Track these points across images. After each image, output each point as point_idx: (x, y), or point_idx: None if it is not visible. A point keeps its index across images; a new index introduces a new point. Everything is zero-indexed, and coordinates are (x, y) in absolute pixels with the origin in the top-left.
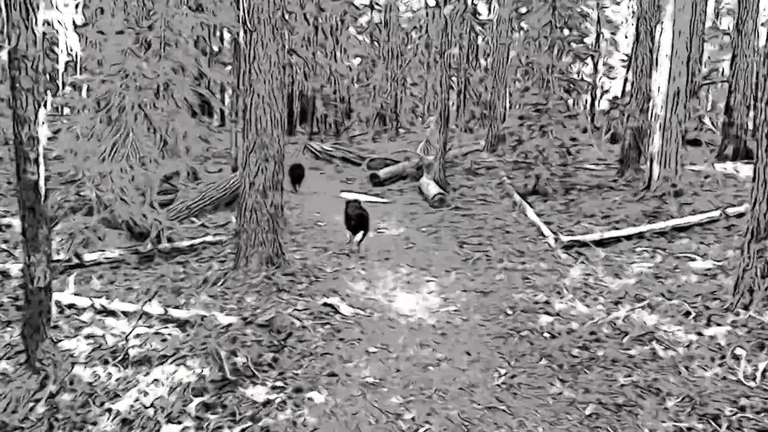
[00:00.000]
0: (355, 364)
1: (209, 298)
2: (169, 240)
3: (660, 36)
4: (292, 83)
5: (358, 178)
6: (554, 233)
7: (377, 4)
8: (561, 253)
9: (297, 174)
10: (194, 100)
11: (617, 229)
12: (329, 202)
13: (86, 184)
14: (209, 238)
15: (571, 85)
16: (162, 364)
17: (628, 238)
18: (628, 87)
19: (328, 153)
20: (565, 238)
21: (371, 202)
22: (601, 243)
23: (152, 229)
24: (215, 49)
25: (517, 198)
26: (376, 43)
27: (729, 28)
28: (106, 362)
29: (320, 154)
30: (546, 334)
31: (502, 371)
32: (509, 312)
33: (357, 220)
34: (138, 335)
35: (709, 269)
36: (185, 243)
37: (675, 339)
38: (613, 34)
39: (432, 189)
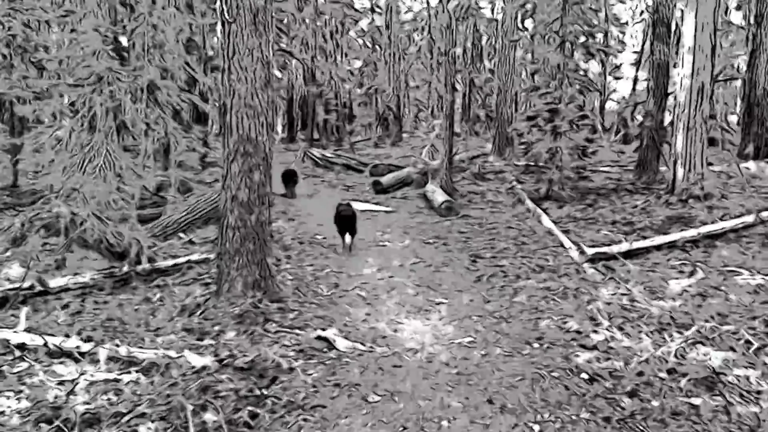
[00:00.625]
0: (351, 420)
1: (184, 332)
2: (150, 260)
3: (681, 28)
4: (291, 89)
5: (361, 185)
6: (576, 244)
7: (378, 6)
8: (587, 268)
9: (290, 179)
10: (185, 106)
11: (644, 237)
12: (329, 212)
13: (52, 200)
14: (195, 257)
15: (584, 84)
16: (115, 424)
17: (658, 248)
18: (639, 86)
19: (329, 160)
20: (589, 250)
21: (373, 211)
22: (629, 254)
23: (131, 249)
24: (210, 53)
25: (531, 204)
26: (377, 47)
27: (742, 23)
28: (46, 423)
29: (321, 162)
30: (584, 375)
31: (536, 428)
32: (536, 344)
33: (341, 220)
34: (91, 384)
35: (761, 285)
36: (168, 262)
37: (749, 385)
38: (622, 32)
39: (438, 196)
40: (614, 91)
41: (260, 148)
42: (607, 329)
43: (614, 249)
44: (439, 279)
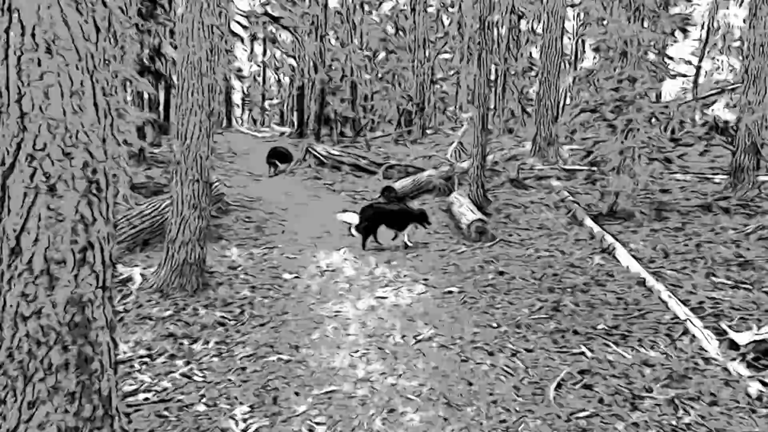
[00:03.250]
0: None
1: None
2: None
3: None
4: (302, 76)
5: (371, 190)
6: (716, 328)
7: None
8: (746, 381)
9: (276, 158)
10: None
11: None
12: (319, 227)
13: None
14: None
15: (660, 67)
16: None
17: None
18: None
19: (336, 158)
20: (741, 337)
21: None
22: None
23: None
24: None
25: (593, 226)
26: (400, 33)
27: None
28: None
29: (326, 160)
30: None
31: None
32: None
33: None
34: None
35: None
36: None
37: None
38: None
39: (467, 212)
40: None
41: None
42: None
43: None
44: (468, 388)
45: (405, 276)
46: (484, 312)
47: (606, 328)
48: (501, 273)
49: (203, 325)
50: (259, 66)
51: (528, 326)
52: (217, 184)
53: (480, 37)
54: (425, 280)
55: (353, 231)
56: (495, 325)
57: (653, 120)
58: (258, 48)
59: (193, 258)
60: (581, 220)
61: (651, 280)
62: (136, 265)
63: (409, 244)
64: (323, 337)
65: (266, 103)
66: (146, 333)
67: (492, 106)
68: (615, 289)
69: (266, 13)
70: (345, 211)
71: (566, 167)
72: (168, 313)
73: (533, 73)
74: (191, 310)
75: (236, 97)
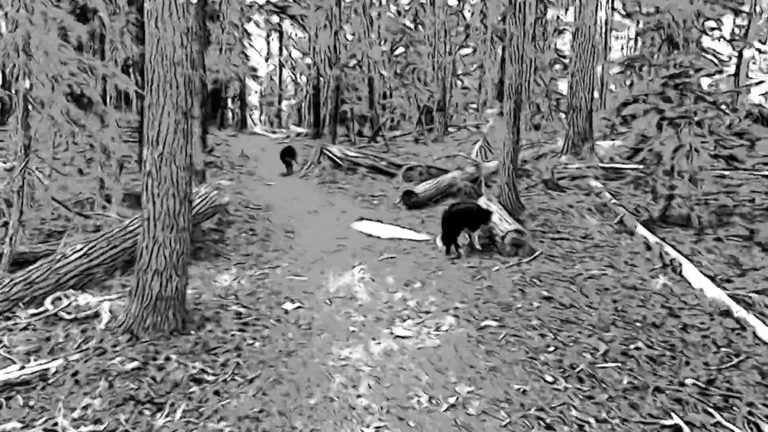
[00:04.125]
0: None
1: None
2: None
3: None
4: (318, 73)
5: (390, 194)
6: None
7: None
8: None
9: (290, 156)
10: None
11: None
12: (331, 239)
13: None
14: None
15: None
16: None
17: None
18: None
19: (352, 160)
20: None
21: (397, 238)
22: None
23: None
24: None
25: (647, 235)
26: (420, 26)
27: None
28: None
29: (342, 162)
30: None
31: None
32: None
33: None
34: None
35: None
36: None
37: None
38: None
39: (500, 222)
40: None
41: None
42: None
43: None
44: None
45: (430, 304)
46: (532, 357)
47: (699, 385)
48: (547, 299)
49: (174, 382)
50: (275, 65)
51: (593, 379)
52: (215, 192)
53: (511, 19)
54: (455, 309)
55: (438, 243)
56: (549, 378)
57: (713, 111)
58: (274, 48)
59: (169, 290)
60: (632, 228)
61: (739, 311)
62: (108, 297)
63: (477, 247)
64: (326, 400)
65: (283, 103)
66: (99, 396)
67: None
68: (694, 323)
69: (269, 2)
70: (362, 219)
71: (605, 165)
72: (132, 365)
73: (560, 66)
74: (163, 359)
75: (253, 99)
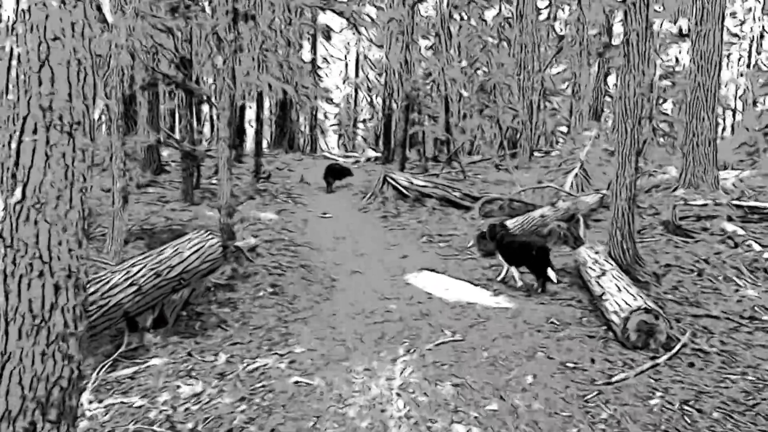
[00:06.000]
0: None
1: None
2: None
3: None
4: (389, 95)
5: (462, 233)
6: None
7: None
8: None
9: (332, 175)
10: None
11: None
12: (378, 301)
13: None
14: None
15: None
16: None
17: None
18: None
19: (420, 190)
20: None
21: (467, 303)
22: None
23: None
24: None
25: None
26: (504, 43)
27: None
28: None
29: (408, 192)
30: None
31: None
32: None
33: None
34: None
35: None
36: None
37: None
38: None
39: (617, 292)
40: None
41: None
42: None
43: None
44: None
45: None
46: None
47: None
48: None
49: None
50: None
51: None
52: (213, 242)
53: (632, 13)
54: None
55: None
56: None
57: None
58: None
59: None
60: None
61: None
62: None
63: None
64: None
65: (358, 126)
66: None
67: (610, 123)
68: None
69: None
70: (423, 269)
71: (743, 203)
72: None
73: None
74: None
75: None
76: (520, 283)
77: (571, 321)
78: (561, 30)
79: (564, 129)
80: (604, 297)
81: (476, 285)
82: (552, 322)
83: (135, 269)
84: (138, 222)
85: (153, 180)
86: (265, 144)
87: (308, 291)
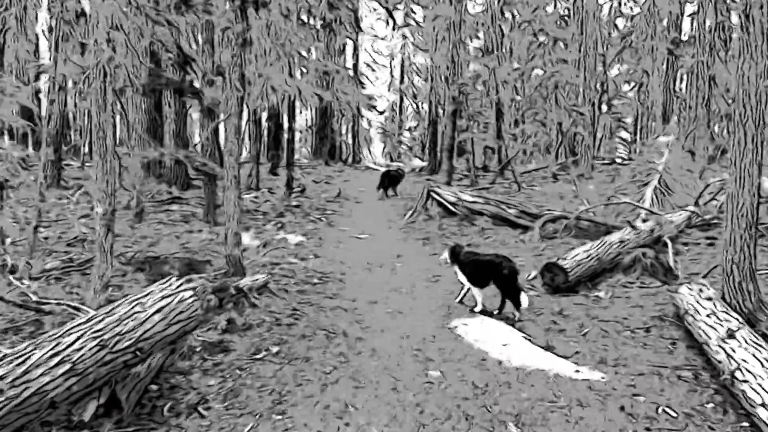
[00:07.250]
0: None
1: None
2: None
3: None
4: (437, 101)
5: (521, 259)
6: None
7: None
8: None
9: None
10: None
11: None
12: (402, 373)
13: None
14: None
15: None
16: None
17: None
18: None
19: (469, 206)
20: None
21: (536, 370)
22: None
23: None
24: None
25: None
26: (560, 42)
27: None
28: None
29: (455, 208)
30: None
31: None
32: None
33: None
34: None
35: None
36: None
37: None
38: None
39: (764, 370)
40: None
41: None
42: None
43: None
44: None
45: None
46: None
47: None
48: None
49: None
50: (396, 94)
51: None
52: (189, 293)
53: None
54: None
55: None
56: None
57: None
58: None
59: None
60: None
61: None
62: None
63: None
64: None
65: (403, 134)
66: None
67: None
68: None
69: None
70: (473, 313)
71: None
72: None
73: None
74: None
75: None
76: (480, 307)
77: (691, 409)
78: (624, 27)
79: (625, 135)
80: (738, 377)
81: (551, 347)
82: (665, 411)
83: (68, 339)
84: (145, 247)
85: (178, 197)
86: (305, 155)
87: (326, 350)
